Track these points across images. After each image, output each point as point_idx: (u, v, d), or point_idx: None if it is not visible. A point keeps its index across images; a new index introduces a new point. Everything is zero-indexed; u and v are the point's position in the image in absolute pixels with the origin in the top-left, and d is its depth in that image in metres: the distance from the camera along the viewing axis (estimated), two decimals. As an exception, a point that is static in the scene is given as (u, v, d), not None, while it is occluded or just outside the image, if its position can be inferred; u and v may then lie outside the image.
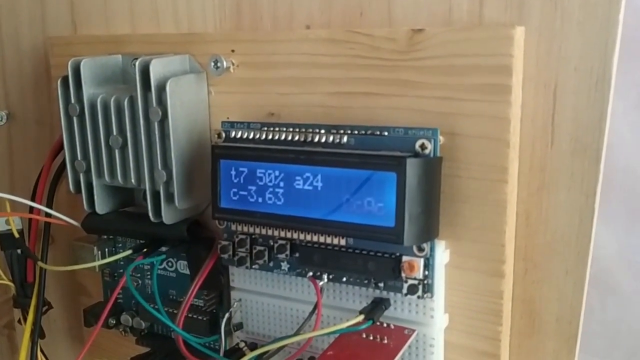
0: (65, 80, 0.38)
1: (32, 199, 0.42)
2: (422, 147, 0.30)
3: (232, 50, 0.36)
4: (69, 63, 0.38)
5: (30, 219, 0.43)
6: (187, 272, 0.40)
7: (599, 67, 0.30)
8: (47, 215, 0.41)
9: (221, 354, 0.36)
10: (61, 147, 0.40)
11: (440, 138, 0.31)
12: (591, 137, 0.30)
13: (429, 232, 0.31)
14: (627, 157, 0.44)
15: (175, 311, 0.38)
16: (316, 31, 0.34)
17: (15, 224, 0.42)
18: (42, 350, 0.44)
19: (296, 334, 0.32)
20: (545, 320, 0.33)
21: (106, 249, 0.43)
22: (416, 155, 0.30)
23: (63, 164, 0.41)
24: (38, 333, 0.42)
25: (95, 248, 0.42)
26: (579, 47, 0.30)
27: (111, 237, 0.43)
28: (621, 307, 0.45)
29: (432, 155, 0.30)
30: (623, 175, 0.44)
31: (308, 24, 0.36)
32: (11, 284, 0.44)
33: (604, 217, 0.44)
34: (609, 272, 0.46)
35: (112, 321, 0.43)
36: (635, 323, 0.45)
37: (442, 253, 0.32)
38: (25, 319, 0.43)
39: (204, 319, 0.39)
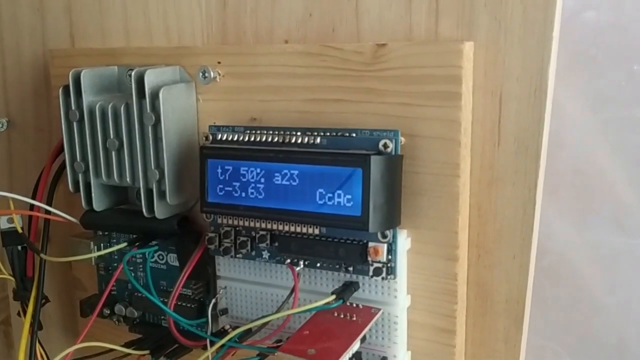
0: (66, 88, 0.42)
1: (33, 198, 0.45)
2: (385, 146, 0.34)
3: (219, 62, 0.41)
4: (70, 73, 0.41)
5: (30, 218, 0.46)
6: (177, 264, 0.44)
7: (537, 77, 0.34)
8: (47, 212, 0.45)
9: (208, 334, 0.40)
10: (61, 150, 0.44)
11: (402, 139, 0.35)
12: (531, 138, 0.35)
13: (391, 220, 0.35)
14: (577, 159, 0.48)
15: (166, 300, 0.41)
16: (293, 45, 0.39)
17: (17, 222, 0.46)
18: (39, 341, 0.47)
19: (277, 312, 0.36)
20: (496, 301, 0.37)
21: (101, 244, 0.46)
22: (379, 153, 0.34)
23: (61, 166, 0.45)
24: (37, 323, 0.45)
25: (91, 243, 0.45)
26: (519, 60, 0.34)
27: (106, 233, 0.47)
28: (573, 297, 0.49)
29: (393, 153, 0.34)
30: (574, 176, 0.48)
31: (286, 39, 0.40)
32: (12, 278, 0.46)
33: (556, 214, 0.49)
34: (560, 264, 0.49)
35: (107, 311, 0.47)
36: (586, 311, 0.49)
37: (404, 240, 0.36)
38: (24, 312, 0.45)
39: (192, 306, 0.43)
